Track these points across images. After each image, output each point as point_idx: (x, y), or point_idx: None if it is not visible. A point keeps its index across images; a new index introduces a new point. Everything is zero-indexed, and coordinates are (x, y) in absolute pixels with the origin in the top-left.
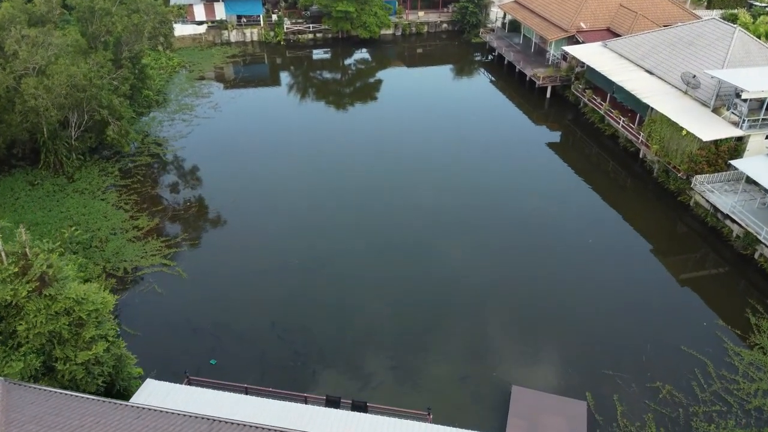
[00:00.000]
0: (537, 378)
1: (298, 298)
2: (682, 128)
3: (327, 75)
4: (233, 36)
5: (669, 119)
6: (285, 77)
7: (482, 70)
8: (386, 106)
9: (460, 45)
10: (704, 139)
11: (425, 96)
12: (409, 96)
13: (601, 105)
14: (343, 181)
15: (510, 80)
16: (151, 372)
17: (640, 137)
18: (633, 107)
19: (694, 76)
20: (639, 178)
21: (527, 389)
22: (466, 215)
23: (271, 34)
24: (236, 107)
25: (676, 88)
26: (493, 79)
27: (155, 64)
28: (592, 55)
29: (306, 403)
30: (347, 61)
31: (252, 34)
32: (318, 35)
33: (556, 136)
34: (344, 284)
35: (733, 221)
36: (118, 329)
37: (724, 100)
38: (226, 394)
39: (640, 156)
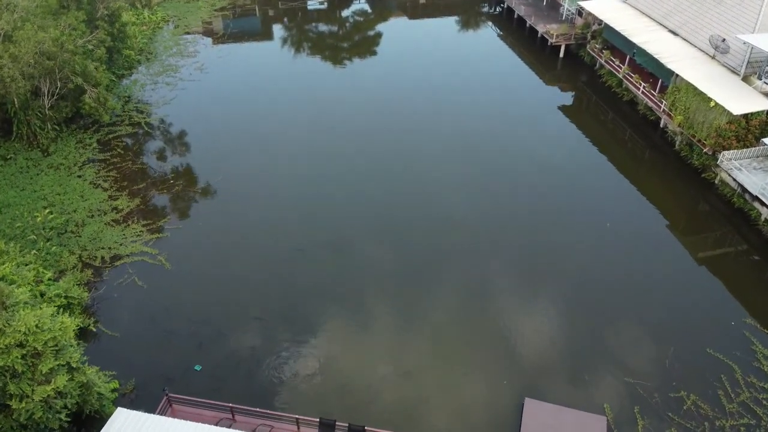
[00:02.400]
0: (551, 390)
1: (294, 290)
2: (710, 99)
3: (323, 28)
4: None
5: (695, 88)
6: (278, 31)
7: (489, 23)
8: (386, 63)
9: None
10: (735, 113)
11: (428, 51)
12: (411, 51)
13: (620, 68)
14: (343, 147)
15: (520, 36)
16: (129, 381)
17: (662, 106)
18: (655, 72)
19: (723, 39)
20: (658, 150)
21: (541, 402)
22: (465, 185)
23: None
24: (224, 67)
25: (702, 52)
26: (501, 33)
27: (137, 20)
28: (610, 11)
29: (298, 427)
30: (345, 13)
31: None
32: None
33: (568, 99)
34: (351, 278)
35: (763, 204)
36: (95, 328)
37: (755, 68)
38: (206, 428)
39: (661, 126)
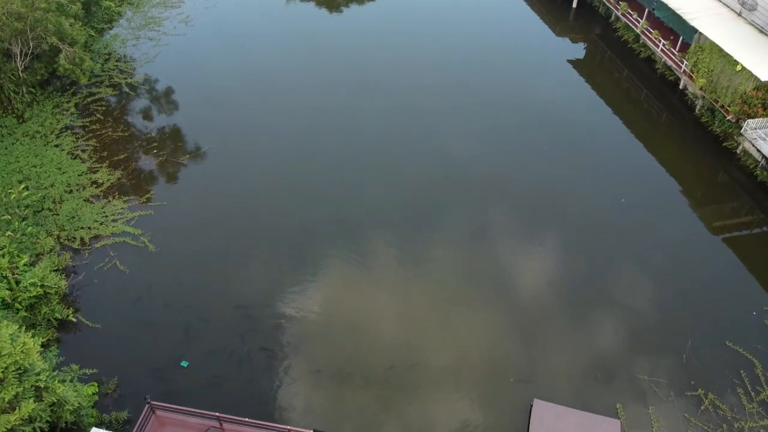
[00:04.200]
0: (562, 390)
1: (290, 277)
2: (736, 62)
3: None
4: None
5: (720, 49)
6: None
7: None
8: (385, 9)
9: None
10: (763, 79)
11: None
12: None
13: (638, 22)
14: (343, 102)
15: None
16: (111, 380)
17: (683, 66)
18: (676, 28)
19: None
20: (677, 114)
21: (550, 404)
22: (467, 138)
23: None
24: (211, 19)
25: (728, 7)
26: None
27: None
28: None
29: None
30: None
31: None
32: None
33: (580, 52)
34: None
35: None
36: (74, 319)
37: None
38: None
39: (680, 87)
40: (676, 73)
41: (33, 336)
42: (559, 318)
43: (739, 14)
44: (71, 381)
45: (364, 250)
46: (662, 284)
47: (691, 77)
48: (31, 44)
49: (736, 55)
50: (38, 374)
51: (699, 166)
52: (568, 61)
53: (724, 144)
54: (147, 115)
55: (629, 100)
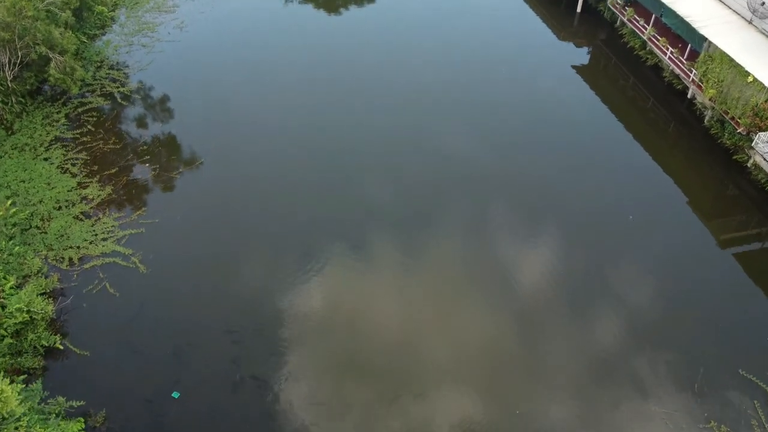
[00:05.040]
0: (568, 423)
1: (286, 300)
2: (747, 73)
3: None
4: None
5: (731, 59)
6: None
7: None
8: (385, 10)
9: None
10: None
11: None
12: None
13: (644, 29)
14: (344, 110)
15: None
16: (99, 412)
17: (692, 75)
18: (684, 36)
19: (763, 3)
20: (685, 124)
21: None
22: (467, 145)
23: None
24: (206, 24)
25: (738, 15)
26: None
27: None
28: None
29: None
30: None
31: None
32: None
33: (583, 57)
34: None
35: None
36: (62, 346)
37: None
38: None
39: (688, 96)
40: (685, 82)
41: (11, 382)
42: (563, 341)
43: (750, 22)
44: (57, 416)
45: (366, 271)
46: (671, 303)
47: (699, 87)
48: (19, 54)
49: (748, 65)
50: (18, 419)
51: (708, 178)
52: (573, 66)
53: (735, 157)
54: (140, 126)
55: (635, 109)
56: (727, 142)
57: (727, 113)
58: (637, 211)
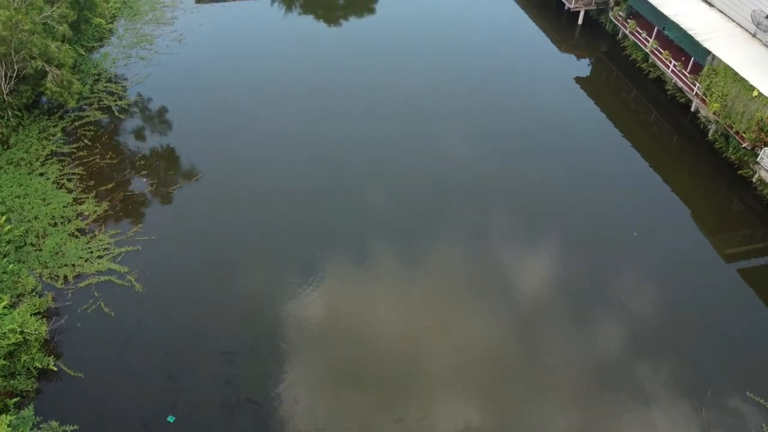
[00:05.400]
0: None
1: (284, 321)
2: (752, 87)
3: None
4: None
5: (735, 73)
6: None
7: None
8: (385, 23)
9: None
10: None
11: (429, 10)
12: (412, 10)
13: (647, 41)
14: (340, 132)
15: None
16: None
17: (695, 88)
18: (687, 49)
19: None
20: (688, 138)
21: None
22: (472, 162)
23: None
24: (205, 37)
25: (742, 28)
26: None
27: None
28: None
29: None
30: None
31: None
32: None
33: (585, 69)
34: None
35: None
36: (56, 368)
37: None
38: None
39: (692, 110)
40: (688, 95)
41: (4, 406)
42: (564, 362)
43: (754, 35)
44: None
45: (368, 288)
46: (675, 318)
47: (703, 100)
48: (15, 67)
49: (753, 79)
50: None
51: (712, 193)
52: (575, 79)
53: (740, 172)
54: (137, 140)
55: (638, 122)
56: (732, 156)
57: (732, 127)
58: (641, 225)
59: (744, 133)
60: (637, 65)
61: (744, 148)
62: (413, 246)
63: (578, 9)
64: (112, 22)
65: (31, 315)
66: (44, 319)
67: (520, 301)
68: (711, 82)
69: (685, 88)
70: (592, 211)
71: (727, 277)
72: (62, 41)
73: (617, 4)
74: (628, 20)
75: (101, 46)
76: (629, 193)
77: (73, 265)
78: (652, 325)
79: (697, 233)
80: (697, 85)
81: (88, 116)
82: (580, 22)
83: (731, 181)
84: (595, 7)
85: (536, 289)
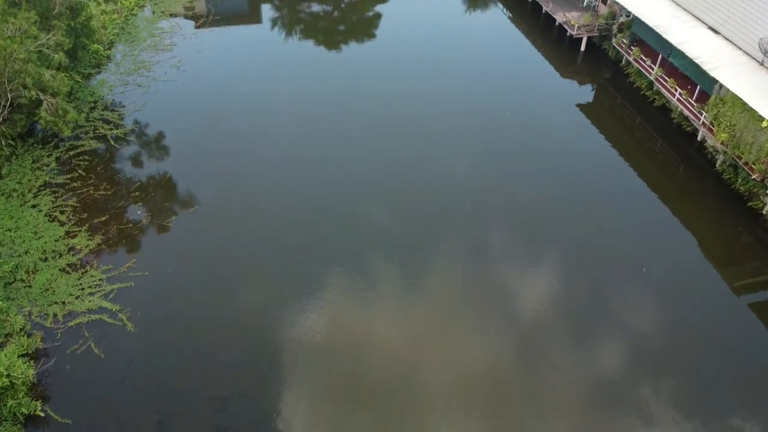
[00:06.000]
0: None
1: (277, 367)
2: (761, 118)
3: (316, 8)
4: None
5: (744, 103)
6: (267, 11)
7: (499, 4)
8: (386, 48)
9: None
10: None
11: (430, 35)
12: (412, 35)
13: (651, 69)
14: (341, 155)
15: (533, 22)
16: None
17: (702, 117)
18: (693, 77)
19: None
20: (695, 167)
21: None
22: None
23: None
24: (204, 64)
25: (749, 56)
26: (511, 16)
27: (106, 7)
28: (640, 2)
29: None
30: None
31: None
32: None
33: (587, 95)
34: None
35: None
36: (43, 413)
37: None
38: None
39: (698, 139)
40: (694, 124)
41: None
42: (572, 395)
43: (761, 64)
44: None
45: (370, 328)
46: (685, 350)
47: (710, 130)
48: (9, 96)
49: (762, 110)
50: None
51: (720, 224)
52: (577, 105)
53: (749, 203)
54: (132, 171)
55: (643, 150)
56: (741, 188)
57: (741, 158)
58: (648, 255)
59: (753, 164)
60: (642, 92)
61: (753, 179)
62: (416, 267)
63: (581, 35)
64: (110, 48)
65: (18, 357)
66: (32, 361)
67: (525, 337)
68: (718, 111)
69: (692, 116)
70: (596, 241)
71: (736, 308)
72: (58, 69)
73: (620, 31)
74: (632, 47)
75: (98, 73)
76: (635, 222)
77: (64, 302)
78: (662, 351)
79: (706, 265)
80: (704, 114)
81: (83, 145)
82: (582, 48)
83: (740, 212)
84: (597, 34)
85: (540, 326)
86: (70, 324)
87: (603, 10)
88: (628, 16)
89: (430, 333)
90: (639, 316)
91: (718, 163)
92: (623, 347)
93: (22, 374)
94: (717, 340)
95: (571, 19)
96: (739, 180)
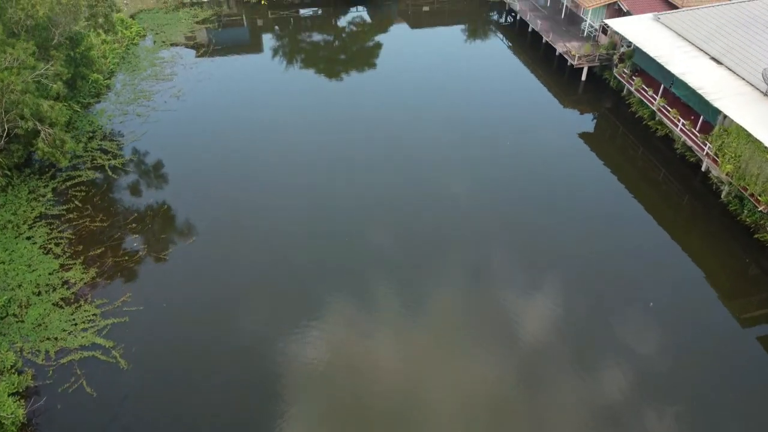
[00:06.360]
0: None
1: (274, 406)
2: (767, 149)
3: (317, 38)
4: None
5: (749, 134)
6: (267, 41)
7: (499, 34)
8: (386, 78)
9: (471, 2)
10: None
11: (431, 64)
12: (413, 65)
13: (654, 99)
14: (341, 183)
15: (534, 53)
16: None
17: (706, 148)
18: (696, 108)
19: None
20: (700, 198)
21: None
22: (477, 226)
23: None
24: (204, 93)
25: (752, 86)
26: (511, 45)
27: (106, 37)
28: (641, 32)
29: None
30: (341, 22)
31: None
32: None
33: (588, 125)
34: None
35: None
36: None
37: None
38: None
39: (702, 169)
40: (698, 154)
41: None
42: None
43: (765, 94)
44: None
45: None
46: (692, 383)
47: (715, 161)
48: (6, 127)
49: (767, 141)
50: None
51: (726, 256)
52: (579, 134)
53: (756, 235)
54: (130, 202)
55: (646, 180)
56: (747, 219)
57: (746, 189)
58: (653, 288)
59: (759, 195)
60: (644, 122)
61: (760, 211)
62: (417, 293)
63: (581, 65)
64: (110, 78)
65: (8, 395)
66: (22, 400)
67: (527, 362)
68: (723, 142)
69: (695, 147)
70: (598, 271)
71: (745, 343)
72: (56, 99)
73: (621, 61)
74: (633, 77)
75: (98, 102)
76: (639, 253)
77: (56, 338)
78: (669, 385)
79: (713, 296)
80: (708, 144)
81: (80, 176)
82: (583, 78)
83: (746, 244)
84: (598, 64)
85: (541, 352)
86: (62, 361)
87: (603, 40)
88: (629, 46)
89: (431, 360)
90: (644, 348)
91: (724, 194)
92: (628, 380)
93: (12, 414)
94: (723, 374)
95: (571, 49)
96: (746, 211)
